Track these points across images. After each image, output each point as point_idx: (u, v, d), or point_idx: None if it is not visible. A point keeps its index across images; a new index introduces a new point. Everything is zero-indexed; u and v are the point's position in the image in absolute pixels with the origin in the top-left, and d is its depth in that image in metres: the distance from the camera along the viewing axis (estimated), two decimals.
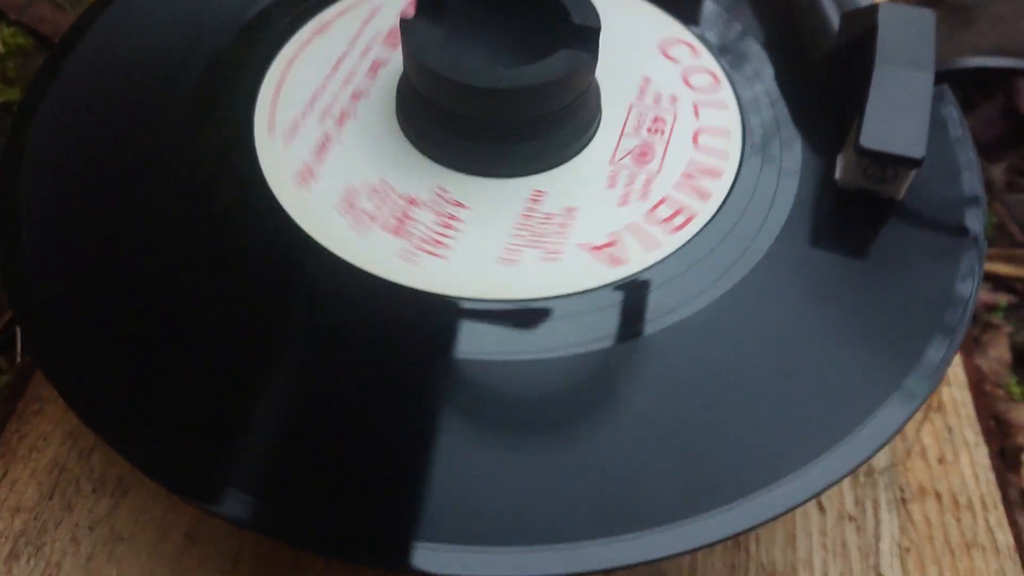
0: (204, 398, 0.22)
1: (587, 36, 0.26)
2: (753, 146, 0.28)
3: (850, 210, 0.26)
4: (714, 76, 0.30)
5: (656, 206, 0.26)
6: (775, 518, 0.21)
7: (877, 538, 0.28)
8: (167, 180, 0.27)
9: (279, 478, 0.21)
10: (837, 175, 0.27)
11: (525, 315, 0.24)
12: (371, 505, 0.21)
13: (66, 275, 0.25)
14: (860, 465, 0.22)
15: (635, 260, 0.25)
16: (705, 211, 0.26)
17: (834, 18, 0.29)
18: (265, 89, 0.29)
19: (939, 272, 0.25)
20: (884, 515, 0.29)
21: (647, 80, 0.30)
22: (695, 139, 0.28)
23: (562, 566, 0.20)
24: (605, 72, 0.28)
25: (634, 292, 0.24)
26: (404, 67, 0.27)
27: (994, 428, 0.35)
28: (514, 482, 0.21)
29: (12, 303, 0.24)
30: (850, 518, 0.28)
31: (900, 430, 0.22)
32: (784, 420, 0.22)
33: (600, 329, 0.24)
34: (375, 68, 0.30)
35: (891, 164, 0.25)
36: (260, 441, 0.22)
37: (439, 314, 0.24)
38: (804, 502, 0.21)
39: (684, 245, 0.26)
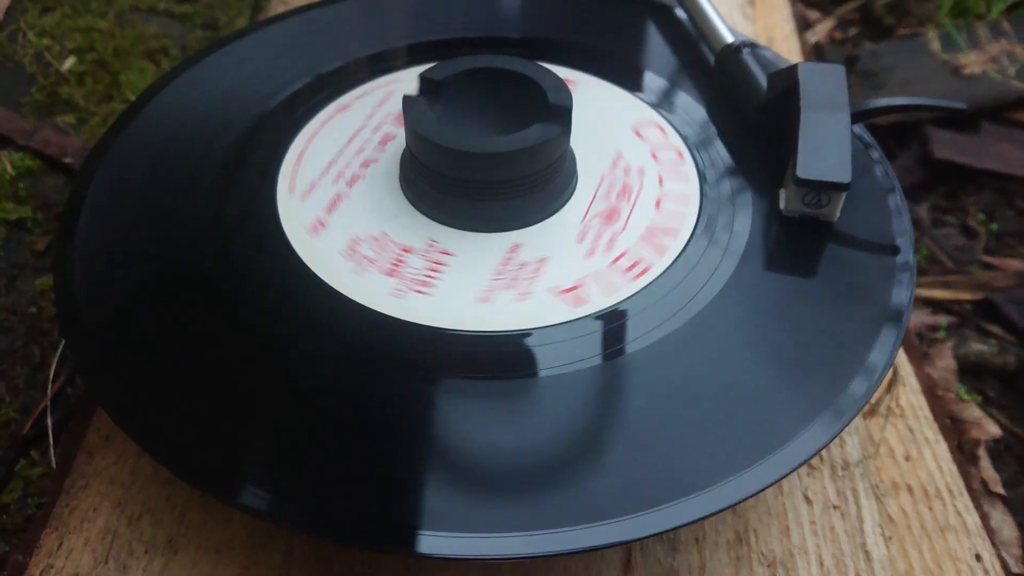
0: (233, 414, 0.27)
1: (560, 113, 0.30)
2: (708, 210, 0.32)
3: (790, 262, 0.31)
4: (679, 152, 0.34)
5: (618, 258, 0.30)
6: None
7: (861, 521, 0.31)
8: (201, 235, 0.31)
9: (314, 480, 0.25)
10: (781, 206, 0.31)
11: (496, 343, 0.28)
12: (382, 498, 0.25)
13: (116, 317, 0.29)
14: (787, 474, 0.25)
15: (596, 301, 0.29)
16: (661, 263, 0.30)
17: (762, 79, 0.34)
18: (289, 157, 0.34)
19: (874, 310, 0.29)
20: (864, 502, 0.32)
21: (619, 154, 0.34)
22: (658, 204, 0.32)
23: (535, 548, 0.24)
24: (583, 145, 0.33)
25: (594, 327, 0.28)
26: (406, 138, 0.31)
27: (949, 426, 0.39)
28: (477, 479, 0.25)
29: (71, 349, 0.29)
30: (834, 507, 0.32)
31: (827, 445, 0.26)
32: (726, 432, 0.26)
33: (561, 357, 0.28)
34: (384, 142, 0.34)
35: (825, 190, 0.30)
36: (293, 451, 0.26)
37: (424, 341, 0.28)
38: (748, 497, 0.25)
39: (640, 290, 0.29)
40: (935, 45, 0.63)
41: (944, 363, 0.43)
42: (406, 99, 0.30)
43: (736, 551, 0.30)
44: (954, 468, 0.36)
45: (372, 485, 0.25)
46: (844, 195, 0.30)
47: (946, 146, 0.56)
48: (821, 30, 0.66)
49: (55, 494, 0.31)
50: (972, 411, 0.40)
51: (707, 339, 0.28)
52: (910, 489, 0.34)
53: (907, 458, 0.36)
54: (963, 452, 0.38)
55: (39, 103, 0.51)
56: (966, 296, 0.49)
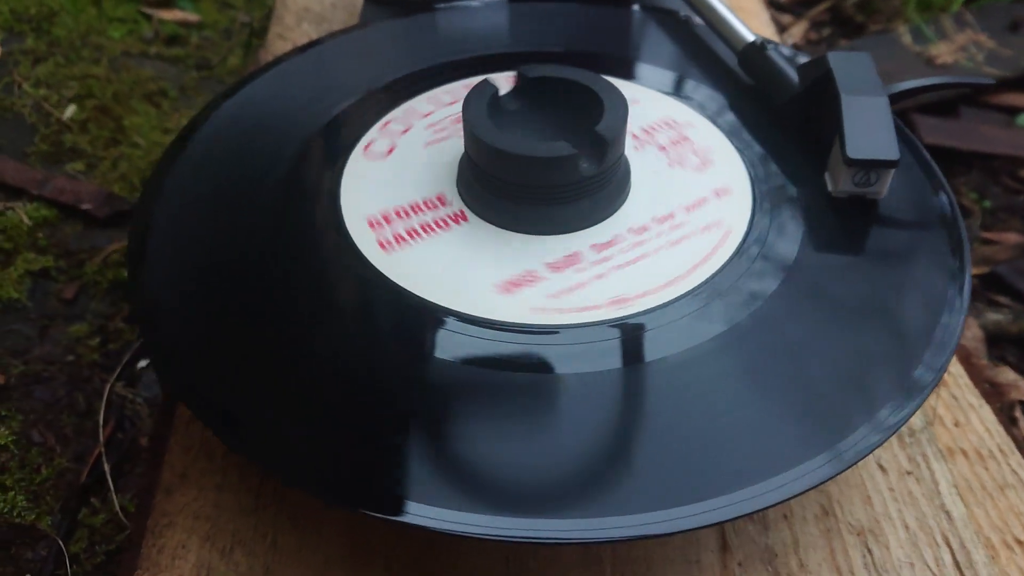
0: (331, 415, 0.27)
1: (615, 120, 0.31)
2: (758, 200, 0.33)
3: (849, 247, 0.31)
4: (720, 145, 0.35)
5: (678, 251, 0.31)
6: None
7: (936, 484, 0.32)
8: (270, 236, 0.32)
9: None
10: (829, 188, 0.33)
11: (586, 336, 0.28)
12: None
13: (194, 324, 0.30)
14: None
15: (658, 296, 0.30)
16: (720, 255, 0.31)
17: (790, 71, 0.36)
18: (349, 169, 0.34)
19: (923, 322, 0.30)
20: (935, 465, 0.33)
21: (669, 157, 0.35)
22: (708, 199, 0.33)
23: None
24: (637, 150, 0.34)
25: (671, 318, 0.29)
26: (464, 144, 0.32)
27: (989, 390, 0.41)
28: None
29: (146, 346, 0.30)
30: (908, 473, 0.33)
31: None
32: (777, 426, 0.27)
33: (650, 347, 0.28)
34: (441, 148, 0.35)
35: (875, 168, 0.31)
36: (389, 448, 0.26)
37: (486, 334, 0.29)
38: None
39: (702, 283, 0.30)
40: (907, 39, 0.66)
41: (971, 332, 0.44)
42: (466, 107, 0.31)
43: (825, 523, 0.31)
44: (1001, 429, 0.37)
45: (496, 475, 0.25)
46: (892, 172, 0.31)
47: (933, 131, 0.58)
48: (796, 32, 0.69)
49: (139, 535, 0.31)
50: (1007, 375, 0.41)
51: (778, 328, 0.29)
52: (964, 453, 0.36)
53: (956, 424, 0.37)
54: (1005, 413, 0.40)
55: (45, 153, 0.51)
56: (972, 271, 0.51)
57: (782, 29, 0.69)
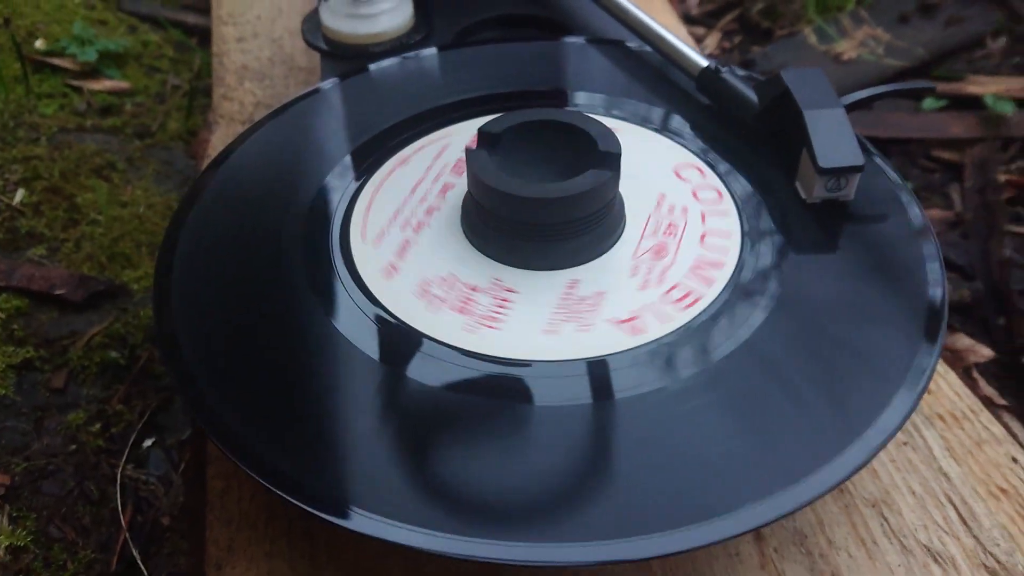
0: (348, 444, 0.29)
1: (610, 159, 0.33)
2: (746, 236, 0.35)
3: (830, 280, 0.33)
4: (718, 191, 0.37)
5: (670, 290, 0.33)
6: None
7: (930, 449, 0.36)
8: (286, 279, 0.34)
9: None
10: (803, 196, 0.36)
11: (569, 371, 0.30)
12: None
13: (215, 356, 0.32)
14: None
15: (653, 330, 0.32)
16: (711, 293, 0.33)
17: (748, 92, 0.39)
18: (359, 207, 0.36)
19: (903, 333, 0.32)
20: (926, 432, 0.36)
21: (663, 195, 0.37)
22: (702, 239, 0.35)
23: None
24: (629, 188, 0.36)
25: (650, 355, 0.31)
26: (468, 186, 0.33)
27: (950, 356, 0.45)
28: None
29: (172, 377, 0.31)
30: (904, 443, 0.36)
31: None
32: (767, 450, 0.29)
33: (630, 381, 0.30)
34: (444, 190, 0.37)
35: (844, 174, 0.34)
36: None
37: (495, 371, 0.30)
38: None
39: (693, 319, 0.32)
40: (812, 39, 0.71)
41: None
42: (468, 151, 0.33)
43: (842, 500, 0.34)
44: (968, 392, 0.41)
45: (506, 504, 0.27)
46: (859, 175, 0.34)
47: (852, 124, 0.63)
48: (710, 43, 0.73)
49: None
50: (963, 340, 0.45)
51: (773, 342, 0.31)
52: (941, 417, 0.39)
53: (929, 392, 0.41)
54: (970, 377, 0.44)
55: (1, 241, 0.49)
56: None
57: (697, 41, 0.73)
